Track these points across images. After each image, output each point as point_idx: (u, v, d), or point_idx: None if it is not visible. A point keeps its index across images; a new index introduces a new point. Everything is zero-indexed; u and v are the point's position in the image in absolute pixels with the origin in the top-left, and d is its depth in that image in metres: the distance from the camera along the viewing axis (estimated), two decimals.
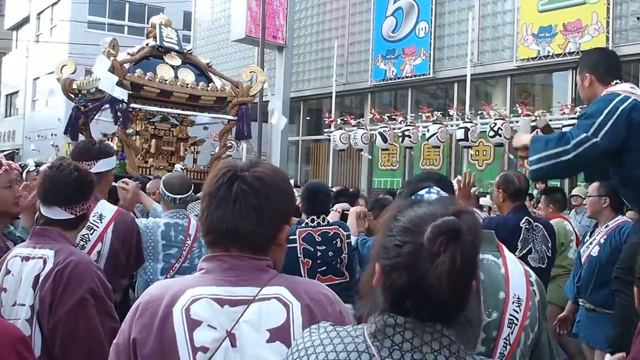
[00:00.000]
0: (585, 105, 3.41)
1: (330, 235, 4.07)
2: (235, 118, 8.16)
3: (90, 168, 2.82)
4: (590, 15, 9.64)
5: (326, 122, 12.69)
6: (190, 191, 4.06)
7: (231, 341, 1.39)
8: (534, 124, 4.91)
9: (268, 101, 13.95)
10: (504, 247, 2.16)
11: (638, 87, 3.21)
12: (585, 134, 2.91)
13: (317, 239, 4.01)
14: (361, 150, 11.81)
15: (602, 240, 4.24)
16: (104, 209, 2.96)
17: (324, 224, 4.09)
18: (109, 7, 24.71)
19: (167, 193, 3.89)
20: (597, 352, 4.16)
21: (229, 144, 8.64)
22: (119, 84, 7.14)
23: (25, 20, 28.68)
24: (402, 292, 1.19)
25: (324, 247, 4.02)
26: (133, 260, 3.06)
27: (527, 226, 3.85)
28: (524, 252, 3.82)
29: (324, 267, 4.01)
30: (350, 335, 1.24)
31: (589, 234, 4.52)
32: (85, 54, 8.40)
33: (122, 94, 7.13)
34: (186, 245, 3.85)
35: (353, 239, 4.20)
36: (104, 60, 7.17)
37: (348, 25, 13.74)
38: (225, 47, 16.81)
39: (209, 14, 17.98)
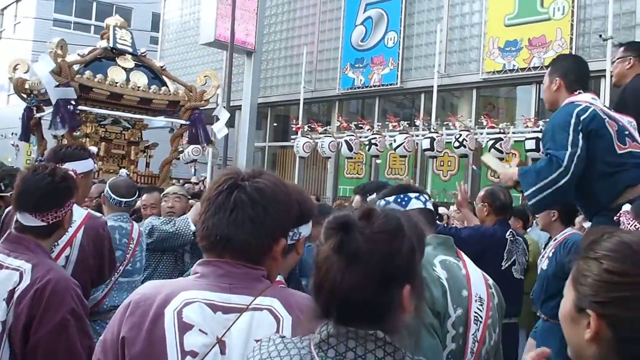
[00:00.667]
0: (547, 120, 3.47)
1: None
2: (187, 122, 8.06)
3: (74, 170, 2.77)
4: (555, 32, 9.85)
5: (293, 128, 12.68)
6: (136, 196, 4.10)
7: (221, 348, 1.39)
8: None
9: (238, 106, 13.97)
10: (461, 252, 2.23)
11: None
12: (567, 151, 2.97)
13: None
14: (328, 158, 11.83)
15: (550, 254, 4.35)
16: (74, 213, 2.90)
17: None
18: (75, 5, 24.34)
19: (112, 196, 3.91)
20: None
21: (180, 149, 8.53)
22: (66, 85, 7.00)
23: None
24: (315, 291, 1.22)
25: None
26: (107, 267, 3.00)
27: (512, 239, 4.03)
28: (509, 262, 3.96)
29: None
30: (296, 347, 1.25)
31: (543, 247, 4.63)
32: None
33: (68, 93, 6.98)
34: (130, 248, 3.87)
35: None
36: (48, 60, 7.03)
37: (318, 32, 13.78)
38: (193, 50, 16.69)
39: (178, 16, 17.83)
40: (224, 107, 9.42)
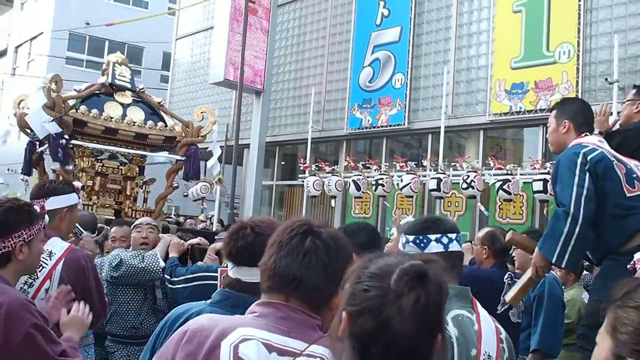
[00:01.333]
0: (554, 162, 3.47)
1: None
2: (183, 158, 8.08)
3: (43, 204, 2.88)
4: (561, 75, 9.95)
5: (301, 167, 12.73)
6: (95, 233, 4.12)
7: None
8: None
9: (247, 144, 14.07)
10: (477, 303, 2.18)
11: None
12: (573, 192, 2.96)
13: None
14: (334, 197, 11.85)
15: None
16: (54, 246, 2.92)
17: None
18: (88, 44, 24.79)
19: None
20: None
21: (175, 184, 8.54)
22: (58, 120, 7.07)
23: (3, 53, 28.57)
24: (368, 337, 1.19)
25: None
26: (97, 302, 2.99)
27: (510, 282, 3.92)
28: (506, 307, 3.88)
29: None
30: None
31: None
32: (64, 91, 8.36)
33: (51, 128, 7.03)
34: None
35: None
36: (39, 95, 7.11)
37: (326, 73, 13.95)
38: (203, 89, 16.91)
39: (188, 56, 18.12)
40: (219, 144, 9.41)
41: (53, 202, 3.05)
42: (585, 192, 2.96)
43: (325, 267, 1.46)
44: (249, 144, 14.15)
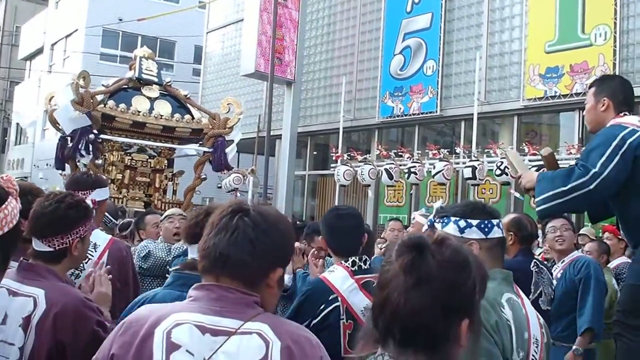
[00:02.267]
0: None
1: None
2: (210, 150, 8.14)
3: (93, 199, 2.90)
4: (597, 57, 9.73)
5: (333, 157, 12.73)
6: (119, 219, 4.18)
7: None
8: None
9: (279, 135, 14.12)
10: (519, 289, 2.17)
11: None
12: (594, 170, 2.88)
13: None
14: (368, 185, 11.82)
15: (559, 275, 4.30)
16: (98, 238, 2.98)
17: None
18: (121, 39, 25.14)
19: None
20: None
21: (204, 175, 8.62)
22: (88, 114, 7.18)
23: (39, 51, 29.14)
24: (376, 312, 1.22)
25: None
26: (132, 291, 3.06)
27: (537, 269, 3.86)
28: (536, 295, 3.82)
29: None
30: None
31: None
32: (97, 86, 8.52)
33: (80, 122, 7.14)
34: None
35: (287, 278, 3.86)
36: (67, 91, 7.24)
37: (357, 62, 13.89)
38: (234, 82, 17.01)
39: (219, 49, 18.23)
40: (240, 130, 9.47)
41: (99, 194, 3.11)
42: (605, 173, 2.87)
43: (252, 242, 1.45)
44: (281, 135, 14.20)
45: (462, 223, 2.12)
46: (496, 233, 2.11)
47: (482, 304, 1.89)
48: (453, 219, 2.13)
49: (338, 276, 2.73)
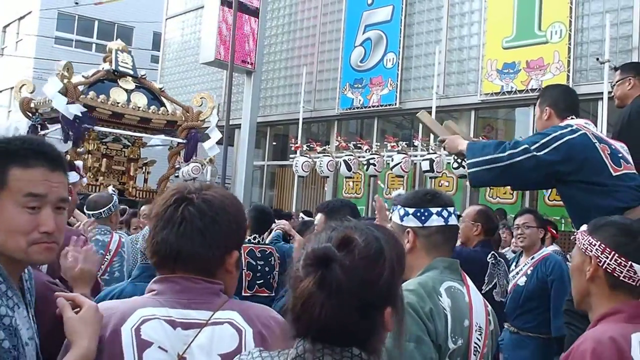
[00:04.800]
0: None
1: (267, 252, 4.57)
2: (184, 141, 8.27)
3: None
4: (552, 54, 9.93)
5: (292, 148, 12.70)
6: (109, 205, 4.29)
7: None
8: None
9: (238, 124, 14.02)
10: (466, 276, 2.20)
11: (595, 124, 3.33)
12: (526, 146, 3.04)
13: (257, 255, 4.49)
14: (327, 177, 11.84)
15: (529, 271, 4.46)
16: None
17: (262, 242, 4.63)
18: (77, 24, 24.51)
19: (86, 212, 4.21)
20: None
21: (177, 166, 8.71)
22: (71, 104, 7.22)
23: None
24: (293, 319, 1.21)
25: (262, 262, 4.50)
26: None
27: (493, 261, 3.97)
28: (490, 286, 3.93)
29: (261, 280, 4.45)
30: None
31: (514, 263, 4.77)
32: (51, 70, 8.36)
33: (76, 109, 7.16)
34: (105, 259, 4.10)
35: None
36: (56, 81, 7.25)
37: (317, 53, 13.87)
38: (194, 70, 16.78)
39: (178, 36, 17.95)
40: (217, 128, 9.55)
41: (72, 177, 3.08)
42: (534, 155, 3.02)
43: (201, 232, 1.43)
44: (240, 125, 14.09)
45: (402, 211, 2.16)
46: (434, 221, 2.12)
47: (418, 291, 1.93)
48: (398, 207, 2.18)
49: None
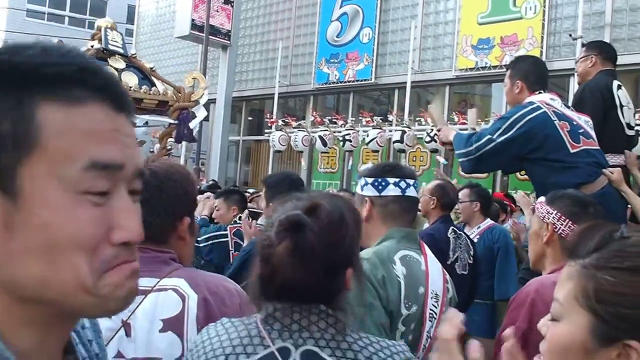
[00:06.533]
0: None
1: None
2: (176, 122, 8.26)
3: None
4: (526, 30, 9.98)
5: (268, 123, 12.67)
6: None
7: (126, 331, 1.40)
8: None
9: (213, 99, 13.91)
10: (425, 245, 2.24)
11: (567, 100, 3.41)
12: (489, 136, 3.21)
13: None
14: (301, 152, 11.84)
15: (475, 240, 4.63)
16: None
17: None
18: None
19: None
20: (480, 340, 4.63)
21: (169, 146, 8.71)
22: None
23: None
24: (263, 283, 1.29)
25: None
26: None
27: (454, 235, 4.03)
28: (452, 260, 3.99)
29: None
30: (243, 324, 1.30)
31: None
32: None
33: None
34: None
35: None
36: None
37: (293, 27, 13.77)
38: (169, 43, 16.57)
39: (153, 9, 17.68)
40: (204, 106, 9.55)
41: None
42: (496, 141, 3.19)
43: (147, 202, 1.39)
44: (216, 99, 14.00)
45: (362, 181, 2.23)
46: (391, 191, 2.16)
47: (372, 260, 1.99)
48: (361, 178, 2.22)
49: None
